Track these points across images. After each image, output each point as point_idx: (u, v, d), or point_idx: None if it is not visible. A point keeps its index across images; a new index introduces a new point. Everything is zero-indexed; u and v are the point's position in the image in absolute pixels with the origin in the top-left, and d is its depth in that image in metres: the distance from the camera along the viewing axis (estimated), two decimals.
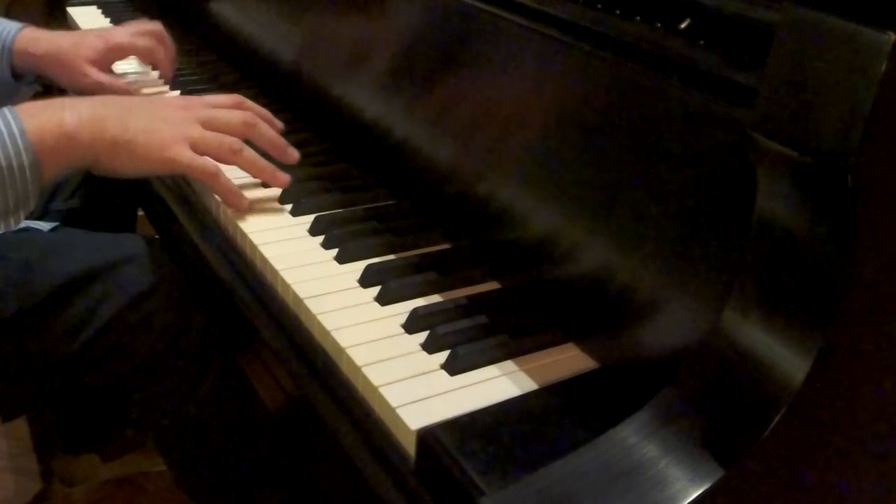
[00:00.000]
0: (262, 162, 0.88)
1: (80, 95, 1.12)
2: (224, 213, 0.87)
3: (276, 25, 1.17)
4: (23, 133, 0.74)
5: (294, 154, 0.90)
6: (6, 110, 0.75)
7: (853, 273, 0.46)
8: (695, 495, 0.47)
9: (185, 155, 0.82)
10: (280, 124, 0.93)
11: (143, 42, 1.15)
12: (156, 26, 1.18)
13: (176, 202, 0.94)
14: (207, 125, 0.85)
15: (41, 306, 0.88)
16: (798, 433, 0.49)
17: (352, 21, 0.99)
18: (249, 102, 0.91)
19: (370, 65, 0.95)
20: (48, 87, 1.46)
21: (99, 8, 1.58)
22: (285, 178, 0.89)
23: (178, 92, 1.20)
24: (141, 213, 1.34)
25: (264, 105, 1.15)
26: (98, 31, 1.18)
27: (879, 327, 0.50)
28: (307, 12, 1.09)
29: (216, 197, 0.89)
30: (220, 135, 0.85)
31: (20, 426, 1.41)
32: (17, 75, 1.14)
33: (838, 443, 0.53)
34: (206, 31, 1.37)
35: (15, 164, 0.73)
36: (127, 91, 1.13)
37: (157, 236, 1.02)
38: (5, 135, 0.73)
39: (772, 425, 0.47)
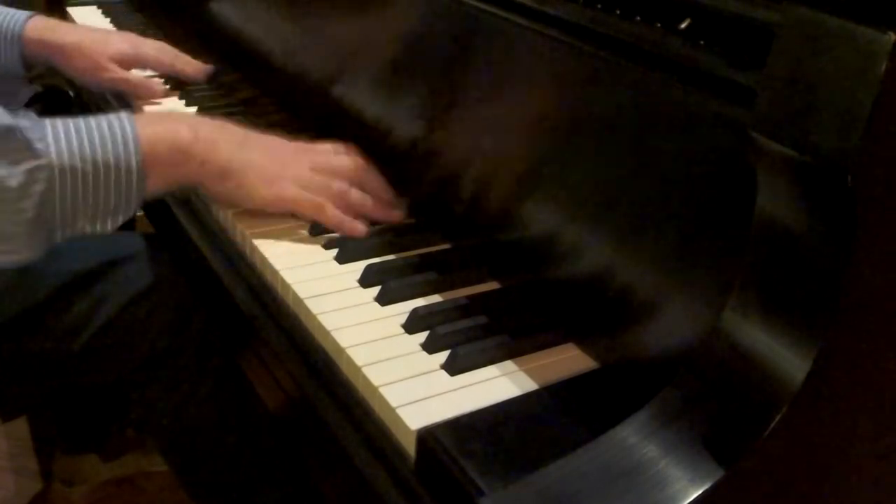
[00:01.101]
0: (370, 202, 0.85)
1: (94, 89, 1.16)
2: (224, 214, 0.87)
3: (276, 26, 1.17)
4: (136, 137, 0.74)
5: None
6: (123, 114, 0.76)
7: (853, 273, 0.46)
8: (695, 495, 0.47)
9: (292, 190, 0.82)
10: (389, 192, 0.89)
11: (166, 60, 1.18)
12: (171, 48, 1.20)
13: (176, 202, 0.94)
14: (316, 168, 0.84)
15: (41, 306, 0.88)
16: (798, 433, 0.49)
17: (352, 21, 0.98)
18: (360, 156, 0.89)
19: (371, 65, 0.95)
20: (49, 88, 1.46)
21: (99, 8, 1.58)
22: (398, 213, 0.87)
23: (177, 92, 1.20)
24: (141, 212, 1.33)
25: (265, 105, 1.16)
26: (123, 35, 1.20)
27: (879, 327, 0.50)
28: (308, 12, 1.09)
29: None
30: (327, 178, 0.84)
31: (20, 426, 1.41)
32: (26, 65, 1.14)
33: (838, 443, 0.53)
34: (207, 31, 1.37)
35: (123, 165, 0.73)
36: (147, 87, 1.13)
37: (156, 235, 1.02)
38: (119, 136, 0.74)
39: (772, 425, 0.47)
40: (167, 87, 1.19)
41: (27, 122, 0.71)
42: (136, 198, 0.76)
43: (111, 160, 0.73)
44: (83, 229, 0.75)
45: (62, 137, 0.72)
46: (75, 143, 0.72)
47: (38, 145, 0.70)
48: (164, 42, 1.22)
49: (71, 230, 0.74)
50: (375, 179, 0.88)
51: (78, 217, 0.73)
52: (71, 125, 0.73)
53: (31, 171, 0.69)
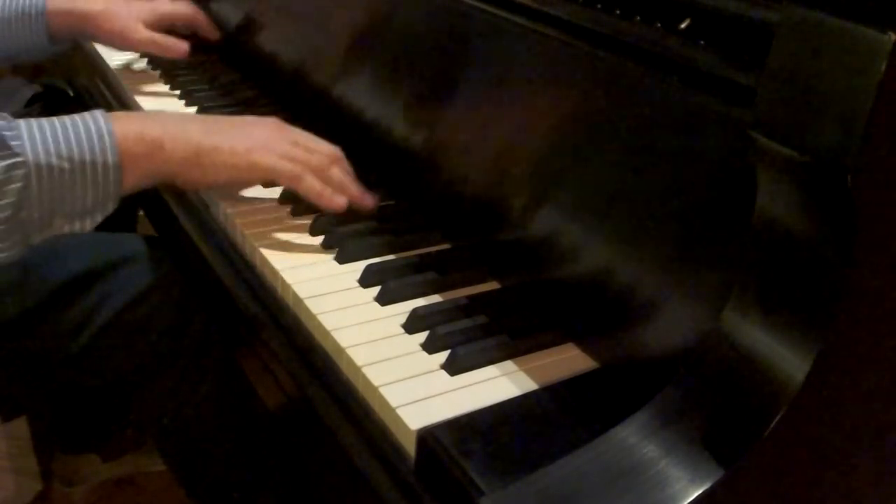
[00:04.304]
0: (350, 182, 0.84)
1: (125, 50, 1.22)
2: (224, 214, 0.87)
3: (276, 26, 1.17)
4: (111, 133, 0.74)
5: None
6: (96, 112, 0.76)
7: (853, 273, 0.46)
8: (695, 495, 0.47)
9: (271, 159, 0.81)
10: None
11: (184, 9, 1.23)
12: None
13: (176, 202, 0.94)
14: (296, 145, 0.84)
15: (41, 306, 0.88)
16: (798, 433, 0.49)
17: (352, 21, 0.98)
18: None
19: (371, 65, 0.95)
20: (49, 87, 1.46)
21: None
22: (372, 200, 0.85)
23: (178, 92, 1.20)
24: (141, 213, 1.34)
25: (264, 104, 1.16)
26: (141, 2, 1.23)
27: (879, 327, 0.50)
28: (307, 12, 1.09)
29: (217, 198, 0.89)
30: (308, 152, 0.83)
31: (20, 426, 1.41)
32: (52, 40, 1.17)
33: (838, 443, 0.53)
34: None
35: (100, 161, 0.73)
36: (176, 48, 1.17)
37: (157, 236, 1.02)
38: (94, 132, 0.74)
39: (772, 425, 0.47)
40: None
41: (1, 122, 0.70)
42: (113, 194, 0.75)
43: (87, 157, 0.73)
44: (61, 229, 0.74)
45: (37, 136, 0.72)
46: (51, 140, 0.72)
47: (14, 143, 0.70)
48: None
49: (48, 230, 0.74)
50: (350, 169, 0.86)
51: (55, 216, 0.73)
52: (45, 124, 0.73)
53: (7, 169, 0.68)
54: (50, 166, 0.71)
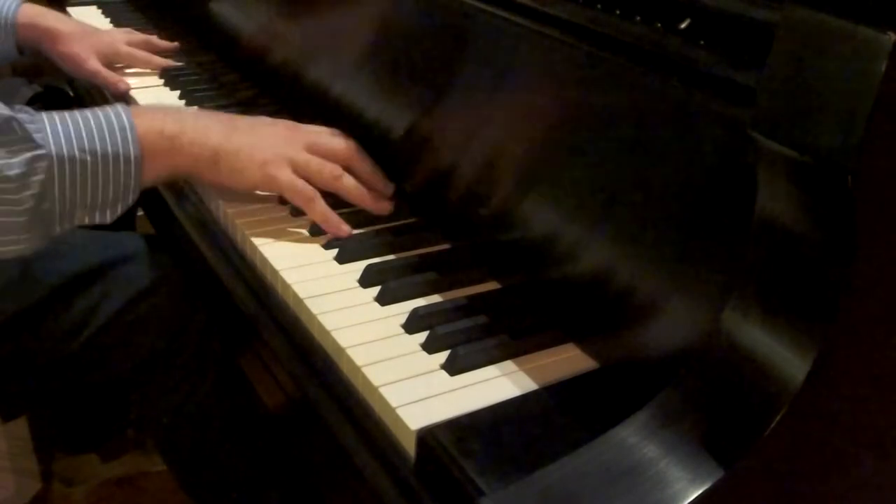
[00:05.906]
0: (363, 189, 0.86)
1: (73, 77, 1.24)
2: (224, 214, 0.87)
3: (275, 25, 1.17)
4: (133, 127, 0.75)
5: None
6: (118, 106, 0.77)
7: (853, 273, 0.46)
8: (695, 495, 0.47)
9: (286, 175, 0.82)
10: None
11: (141, 57, 1.25)
12: (151, 37, 1.29)
13: (176, 202, 0.94)
14: (311, 149, 0.85)
15: (41, 306, 0.88)
16: (798, 433, 0.49)
17: (352, 21, 0.98)
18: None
19: (370, 65, 0.95)
20: (49, 87, 1.46)
21: (99, 8, 1.58)
22: (387, 204, 0.87)
23: (177, 92, 1.20)
24: (141, 212, 1.34)
25: (264, 105, 1.16)
26: (108, 33, 1.28)
27: (880, 327, 0.50)
28: (307, 12, 1.09)
29: (217, 197, 0.89)
30: (322, 161, 0.84)
31: (20, 426, 1.41)
32: (19, 50, 1.21)
33: (838, 443, 0.53)
34: (206, 31, 1.37)
35: (122, 154, 0.75)
36: (116, 86, 1.19)
37: (156, 235, 1.02)
38: (116, 126, 0.75)
39: (772, 425, 0.47)
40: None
41: (25, 115, 0.71)
42: (134, 188, 0.77)
43: (109, 150, 0.74)
44: (82, 220, 0.76)
45: (60, 129, 0.73)
46: (73, 133, 0.73)
47: (37, 136, 0.71)
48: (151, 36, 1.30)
49: (70, 222, 0.75)
50: (367, 165, 0.88)
51: (77, 208, 0.74)
52: (68, 117, 0.74)
53: (30, 162, 0.69)
54: (72, 159, 0.72)
